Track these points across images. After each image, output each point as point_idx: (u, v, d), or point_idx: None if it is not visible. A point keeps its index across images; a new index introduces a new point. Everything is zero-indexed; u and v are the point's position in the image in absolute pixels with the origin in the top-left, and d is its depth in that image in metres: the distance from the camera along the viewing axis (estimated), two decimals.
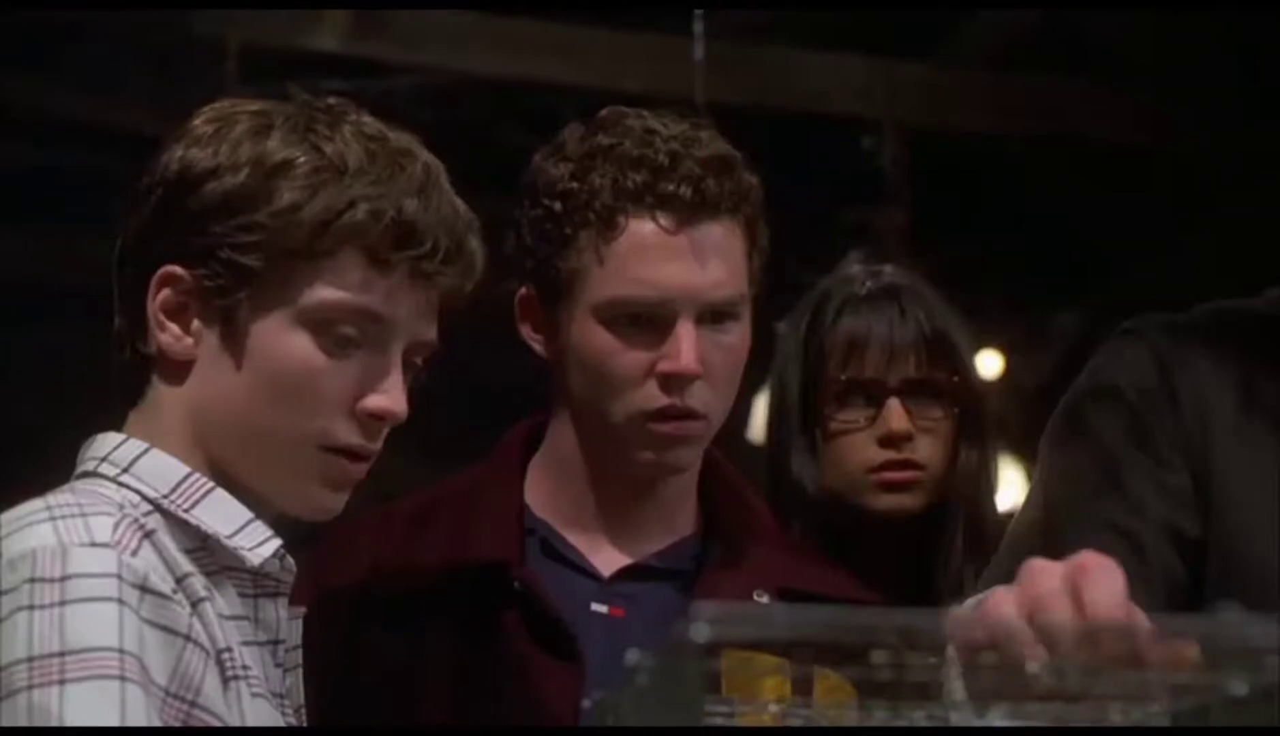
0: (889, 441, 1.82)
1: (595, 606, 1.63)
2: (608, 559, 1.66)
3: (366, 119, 1.38)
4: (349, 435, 1.34)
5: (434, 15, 4.37)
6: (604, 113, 1.64)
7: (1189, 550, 1.29)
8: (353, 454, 1.35)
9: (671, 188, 1.55)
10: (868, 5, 4.59)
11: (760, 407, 2.13)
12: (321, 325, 1.33)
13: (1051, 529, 1.28)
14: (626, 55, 4.55)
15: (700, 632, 0.73)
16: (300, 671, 1.40)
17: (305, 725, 1.40)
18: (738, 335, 1.61)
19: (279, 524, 1.37)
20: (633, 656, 0.83)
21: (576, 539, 1.66)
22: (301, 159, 1.33)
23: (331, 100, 1.40)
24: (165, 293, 1.34)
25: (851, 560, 1.74)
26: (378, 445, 1.37)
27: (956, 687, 0.84)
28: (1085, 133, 5.13)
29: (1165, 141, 5.06)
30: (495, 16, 4.44)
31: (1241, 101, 5.08)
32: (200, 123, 1.37)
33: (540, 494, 1.68)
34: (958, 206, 5.50)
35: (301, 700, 1.41)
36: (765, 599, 1.57)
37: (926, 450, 1.82)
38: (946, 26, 5.00)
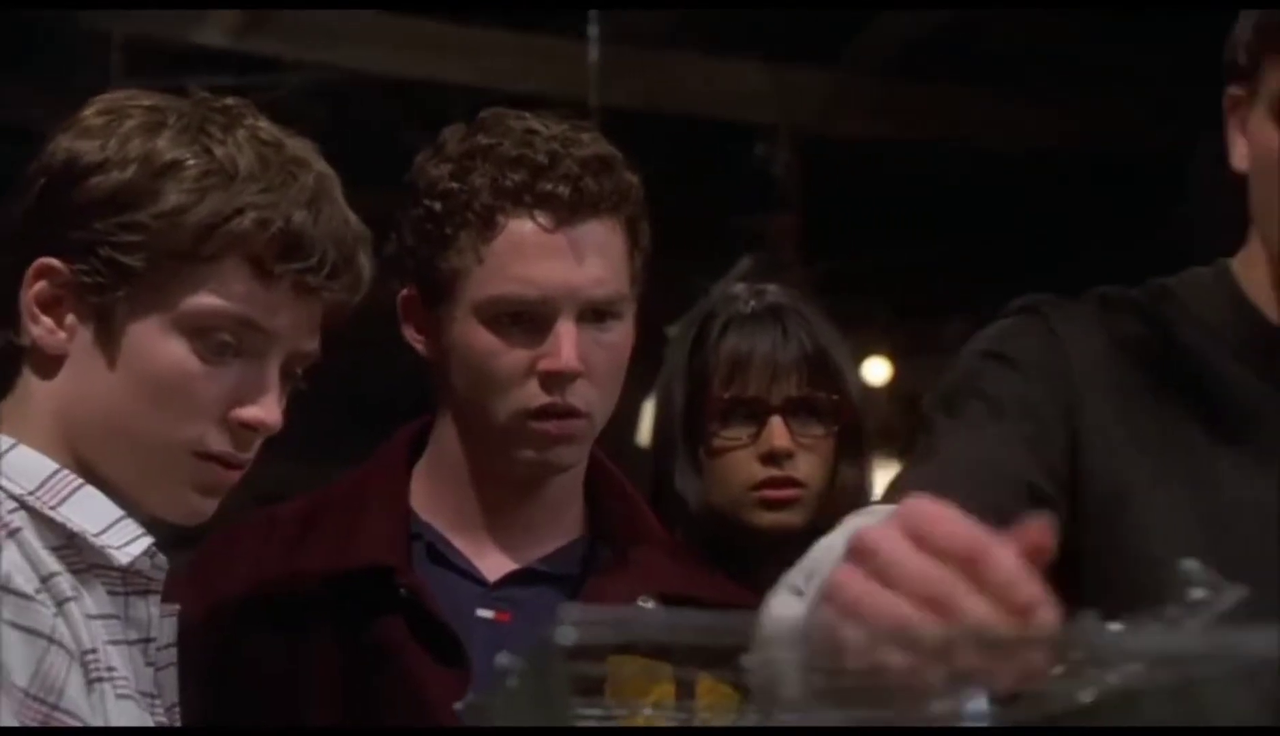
0: (771, 459, 1.84)
1: (481, 612, 1.62)
2: (494, 563, 1.65)
3: (263, 123, 1.36)
4: (220, 443, 1.32)
5: (325, 12, 4.34)
6: (485, 113, 1.64)
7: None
8: (224, 461, 1.33)
9: (550, 187, 1.56)
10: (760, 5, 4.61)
11: (650, 414, 2.14)
12: (199, 331, 1.31)
13: (924, 477, 1.26)
14: (522, 56, 4.54)
15: (566, 636, 0.73)
16: (174, 669, 1.38)
17: (178, 725, 1.39)
18: (619, 333, 1.62)
19: (159, 522, 1.35)
20: (503, 659, 0.83)
21: (462, 543, 1.66)
22: (191, 161, 1.30)
23: (229, 101, 1.38)
24: (41, 285, 1.32)
25: (734, 576, 1.75)
26: (250, 454, 1.35)
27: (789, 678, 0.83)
28: (979, 140, 5.19)
29: (1059, 149, 5.13)
30: (388, 15, 4.42)
31: (1138, 109, 5.16)
32: (91, 114, 1.34)
33: (425, 498, 1.67)
34: (850, 213, 5.54)
35: (175, 699, 1.38)
36: (650, 603, 1.58)
37: (807, 468, 1.84)
38: (842, 34, 5.04)
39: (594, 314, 1.59)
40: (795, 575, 1.03)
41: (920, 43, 4.96)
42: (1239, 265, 1.39)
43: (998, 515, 1.19)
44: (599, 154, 1.59)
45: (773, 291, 1.95)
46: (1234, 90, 1.36)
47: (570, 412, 1.58)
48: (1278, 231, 1.30)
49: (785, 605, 1.00)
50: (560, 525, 1.66)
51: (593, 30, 4.42)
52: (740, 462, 1.84)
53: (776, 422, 1.83)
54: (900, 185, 5.75)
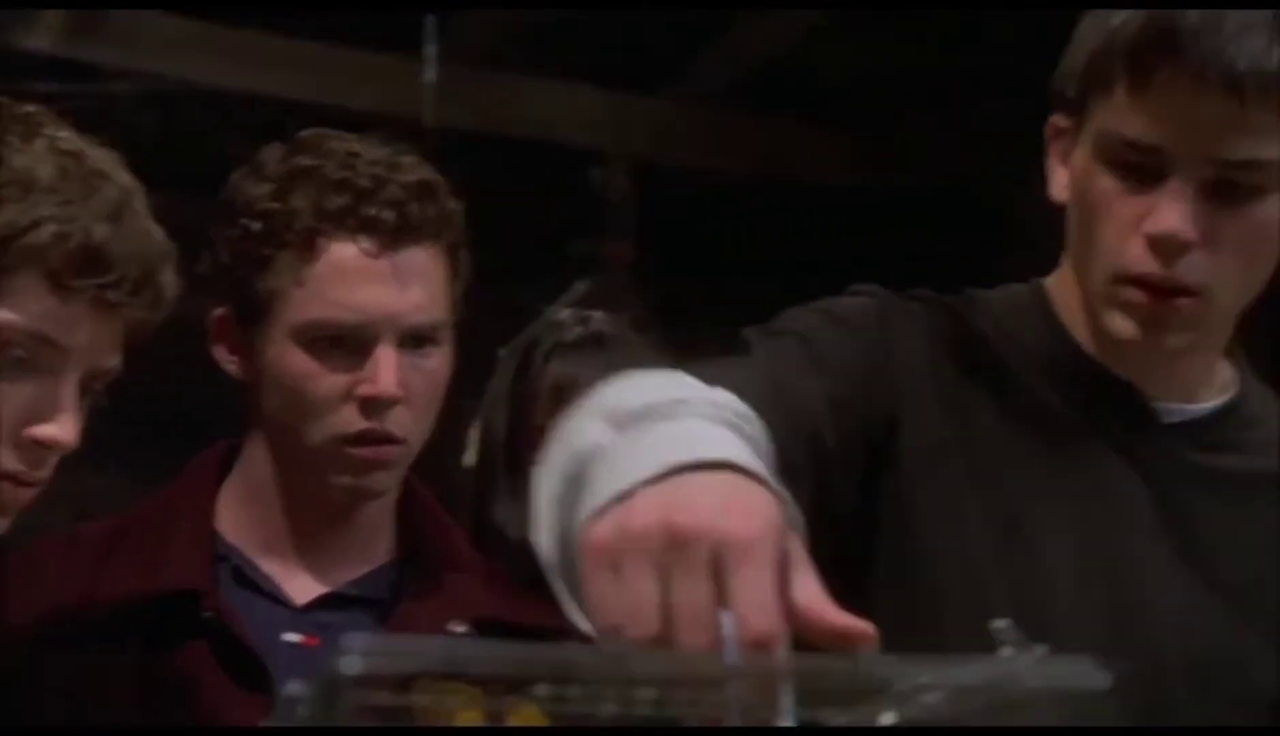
0: None
1: (288, 635, 1.60)
2: (302, 587, 1.64)
3: (64, 133, 1.33)
4: (13, 461, 1.29)
5: (156, 20, 4.26)
6: (305, 133, 1.63)
7: (825, 479, 1.26)
8: (17, 480, 1.29)
9: (374, 211, 1.56)
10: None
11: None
12: None
13: (735, 376, 1.20)
14: (357, 72, 4.50)
15: (351, 665, 0.72)
16: None
17: None
18: (439, 360, 1.62)
19: None
20: (293, 688, 0.81)
21: (270, 566, 1.64)
22: None
23: (30, 108, 1.34)
24: None
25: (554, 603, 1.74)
26: (45, 473, 1.31)
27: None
28: (811, 172, 5.25)
29: (889, 183, 5.21)
30: (220, 25, 4.35)
31: (968, 144, 5.26)
32: None
33: (232, 520, 1.65)
34: (684, 240, 5.57)
35: None
36: (462, 628, 1.56)
37: None
38: (677, 62, 5.07)
39: (414, 340, 1.59)
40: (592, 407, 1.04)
41: (756, 74, 5.01)
42: (1053, 287, 1.40)
43: (787, 452, 1.19)
44: (423, 180, 1.59)
45: (598, 319, 1.94)
46: (1059, 120, 1.37)
47: (387, 439, 1.58)
48: (1093, 268, 1.32)
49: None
50: (371, 549, 1.65)
51: (429, 49, 4.40)
52: None
53: None
54: (734, 214, 5.80)
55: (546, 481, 0.95)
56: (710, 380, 1.15)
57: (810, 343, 1.30)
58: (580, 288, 4.93)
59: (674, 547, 0.81)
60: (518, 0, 4.42)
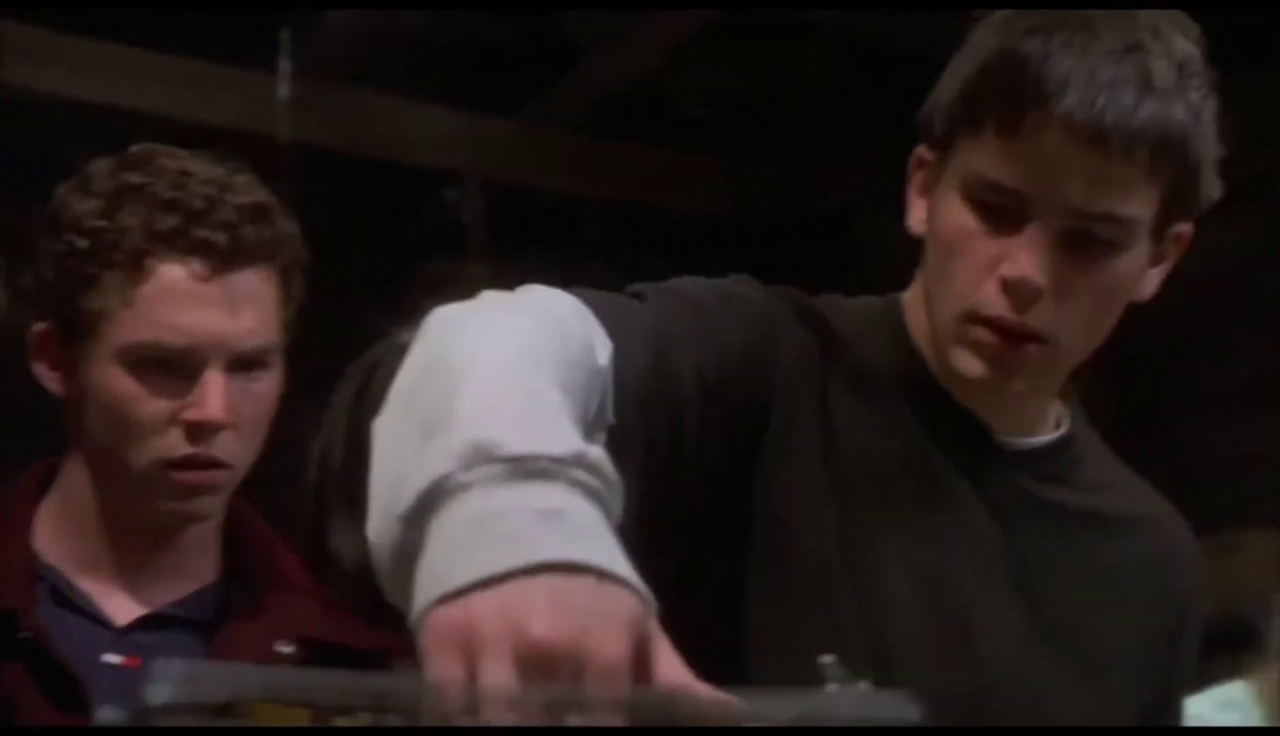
0: None
1: (108, 656, 1.57)
2: (122, 607, 1.60)
3: None
4: None
5: (5, 28, 4.17)
6: (135, 149, 1.59)
7: (683, 463, 1.22)
8: None
9: (206, 233, 1.52)
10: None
11: None
12: None
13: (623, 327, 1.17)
14: (211, 86, 4.43)
15: (159, 693, 0.70)
16: None
17: None
18: (268, 383, 1.59)
19: None
20: (104, 714, 0.78)
21: (89, 586, 1.60)
22: None
23: None
24: None
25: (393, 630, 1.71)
26: None
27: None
28: (666, 199, 5.27)
29: (744, 213, 5.24)
30: (73, 34, 4.27)
31: (821, 171, 5.31)
32: None
33: (51, 539, 1.61)
34: (539, 264, 5.56)
35: None
36: (289, 649, 1.54)
37: None
38: (534, 85, 5.06)
39: (243, 364, 1.56)
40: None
41: (611, 99, 5.02)
42: (908, 305, 1.40)
43: (651, 428, 1.17)
44: (257, 201, 1.56)
45: None
46: (924, 152, 1.36)
47: (213, 464, 1.55)
48: (945, 303, 1.32)
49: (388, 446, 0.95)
50: (194, 569, 1.62)
51: (284, 64, 4.35)
52: None
53: None
54: (588, 238, 5.80)
55: (387, 473, 0.90)
56: (605, 323, 1.13)
57: (700, 315, 1.26)
58: (429, 309, 4.90)
59: (532, 661, 0.78)
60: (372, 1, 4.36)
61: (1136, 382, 4.55)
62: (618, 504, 0.89)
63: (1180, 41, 1.28)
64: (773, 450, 1.29)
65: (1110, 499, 1.44)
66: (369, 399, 1.82)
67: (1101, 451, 1.47)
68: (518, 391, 0.94)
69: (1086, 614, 1.38)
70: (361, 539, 1.79)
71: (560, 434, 0.89)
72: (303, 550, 1.76)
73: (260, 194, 1.57)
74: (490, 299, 1.12)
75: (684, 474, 1.23)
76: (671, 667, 0.83)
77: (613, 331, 1.14)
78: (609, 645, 0.80)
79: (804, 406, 1.31)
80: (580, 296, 1.16)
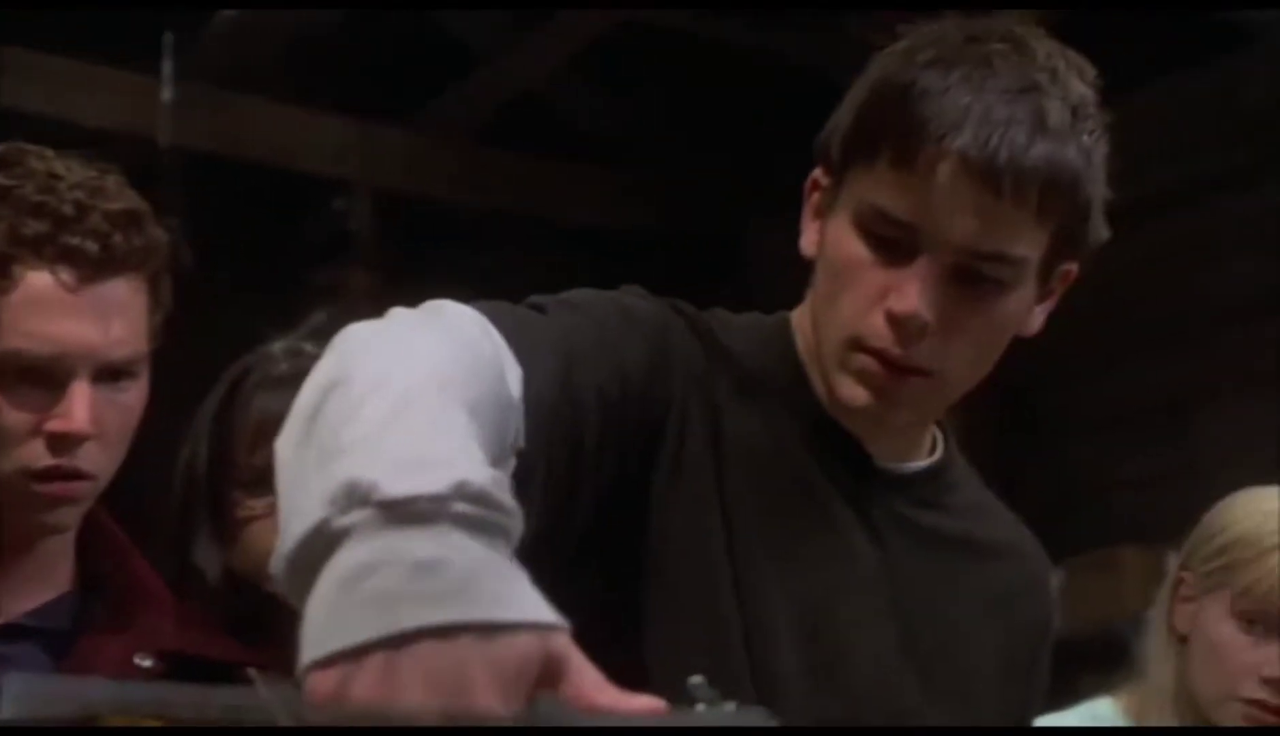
0: None
1: None
2: None
3: None
4: None
5: None
6: (3, 149, 1.52)
7: (581, 488, 1.21)
8: None
9: (75, 241, 1.46)
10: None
11: None
12: None
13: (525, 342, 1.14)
14: (91, 87, 4.36)
15: (7, 708, 0.68)
16: None
17: None
18: (135, 393, 1.54)
19: None
20: None
21: None
22: None
23: None
24: None
25: (258, 645, 1.69)
26: None
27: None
28: (556, 210, 5.27)
29: (633, 226, 5.25)
30: None
31: (713, 194, 5.34)
32: None
33: None
34: (428, 273, 5.53)
35: None
36: (148, 663, 1.50)
37: None
38: (426, 94, 5.04)
39: (110, 374, 1.50)
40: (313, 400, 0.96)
41: (503, 110, 5.01)
42: (797, 324, 1.40)
43: (553, 449, 1.15)
44: (128, 208, 1.50)
45: (310, 353, 1.85)
46: (820, 176, 1.36)
47: (76, 475, 1.50)
48: (832, 329, 1.32)
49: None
50: (48, 579, 1.57)
51: (166, 66, 4.29)
52: (267, 532, 1.73)
53: None
54: (478, 248, 5.78)
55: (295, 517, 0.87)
56: (513, 344, 1.11)
57: (603, 333, 1.24)
58: (319, 318, 4.86)
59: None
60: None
61: (1016, 405, 4.62)
62: (515, 525, 0.87)
63: (1076, 83, 1.29)
64: (665, 467, 1.28)
65: (979, 525, 1.45)
66: (235, 409, 1.79)
67: (970, 477, 1.48)
68: (410, 419, 0.91)
69: (954, 637, 1.39)
70: (223, 552, 1.76)
71: (445, 465, 0.86)
72: (165, 561, 1.72)
73: (132, 199, 1.52)
74: (400, 317, 1.09)
75: (583, 492, 1.22)
76: (588, 685, 0.81)
77: (520, 353, 1.12)
78: (485, 704, 0.78)
79: (697, 422, 1.30)
80: (487, 314, 1.14)
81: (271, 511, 1.71)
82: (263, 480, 1.72)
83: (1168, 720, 2.08)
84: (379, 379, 0.95)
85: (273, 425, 1.74)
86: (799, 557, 1.33)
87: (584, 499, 1.22)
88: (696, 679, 0.87)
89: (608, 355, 1.23)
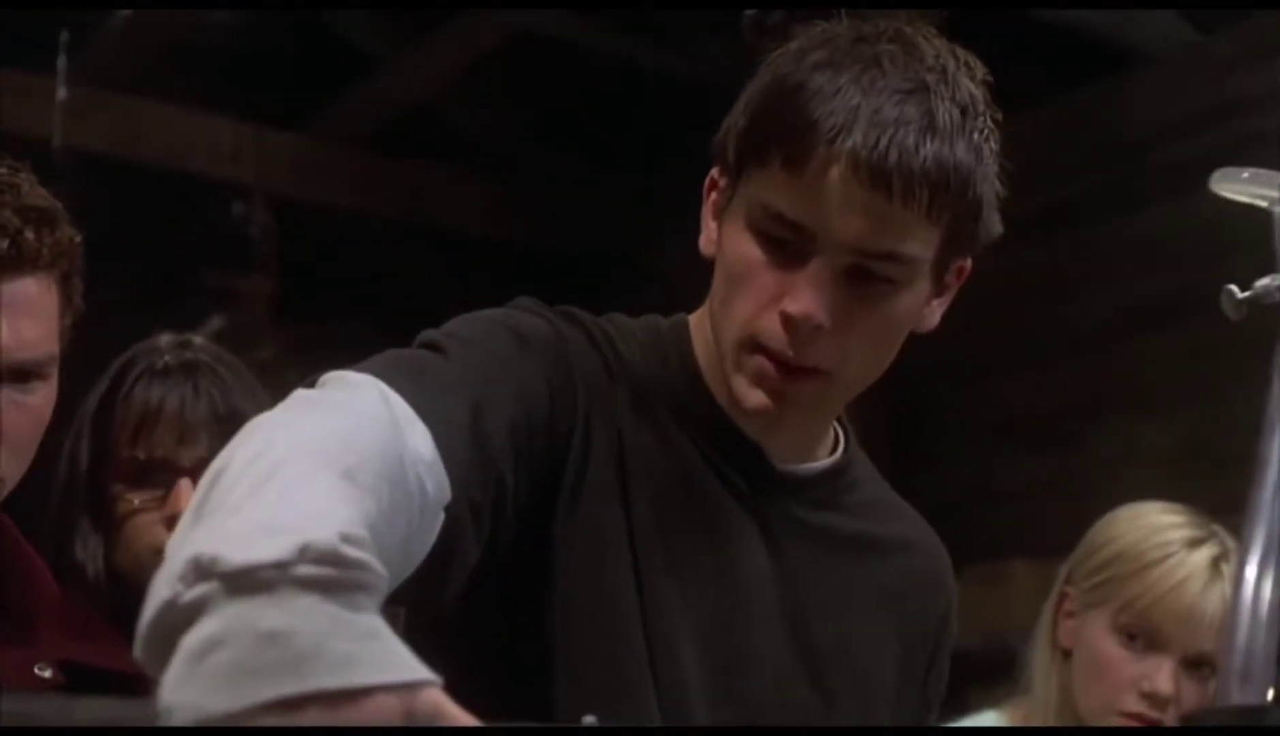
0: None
1: None
2: None
3: None
4: None
5: None
6: None
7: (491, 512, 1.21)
8: None
9: None
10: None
11: None
12: None
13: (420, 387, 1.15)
14: None
15: None
16: None
17: None
18: (43, 395, 1.51)
19: None
20: None
21: None
22: None
23: None
24: None
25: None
26: None
27: None
28: (449, 219, 5.25)
29: (525, 237, 5.25)
30: None
31: (608, 203, 5.35)
32: None
33: None
34: (323, 278, 5.50)
35: None
36: (47, 673, 1.48)
37: None
38: (321, 101, 5.02)
39: (19, 375, 1.48)
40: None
41: (400, 118, 5.00)
42: (695, 327, 1.41)
43: (472, 490, 1.14)
44: (40, 206, 1.48)
45: (197, 346, 1.83)
46: (717, 175, 1.36)
47: None
48: (727, 329, 1.32)
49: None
50: None
51: (60, 64, 4.23)
52: (147, 527, 1.73)
53: (185, 486, 1.71)
54: (371, 254, 5.75)
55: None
56: (418, 406, 1.11)
57: (504, 367, 1.24)
58: (216, 322, 4.81)
59: None
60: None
61: (909, 412, 4.66)
62: (373, 578, 0.87)
63: (965, 82, 1.30)
64: (569, 486, 1.29)
65: (878, 522, 1.47)
66: (117, 401, 1.76)
67: (873, 475, 1.49)
68: (267, 492, 0.91)
69: (850, 637, 1.41)
70: (103, 547, 1.73)
71: (289, 531, 0.86)
72: (46, 556, 1.69)
73: (44, 198, 1.50)
74: (294, 399, 1.10)
75: (504, 530, 1.23)
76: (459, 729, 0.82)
77: (423, 412, 1.12)
78: None
79: (600, 440, 1.31)
80: (383, 376, 1.14)
81: (152, 505, 1.72)
82: (144, 473, 1.73)
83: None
84: (251, 460, 0.95)
85: (154, 417, 1.74)
86: (698, 567, 1.34)
87: (505, 536, 1.23)
88: (590, 718, 0.87)
89: (510, 390, 1.23)
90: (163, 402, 1.75)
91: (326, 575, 0.84)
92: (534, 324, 1.31)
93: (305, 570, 0.84)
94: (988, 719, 2.19)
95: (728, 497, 1.36)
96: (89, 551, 1.75)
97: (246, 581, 0.83)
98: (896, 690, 1.44)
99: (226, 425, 1.72)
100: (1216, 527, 2.10)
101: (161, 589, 0.85)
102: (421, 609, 1.15)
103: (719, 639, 1.33)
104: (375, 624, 0.84)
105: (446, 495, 1.13)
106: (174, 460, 1.74)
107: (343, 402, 1.09)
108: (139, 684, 1.56)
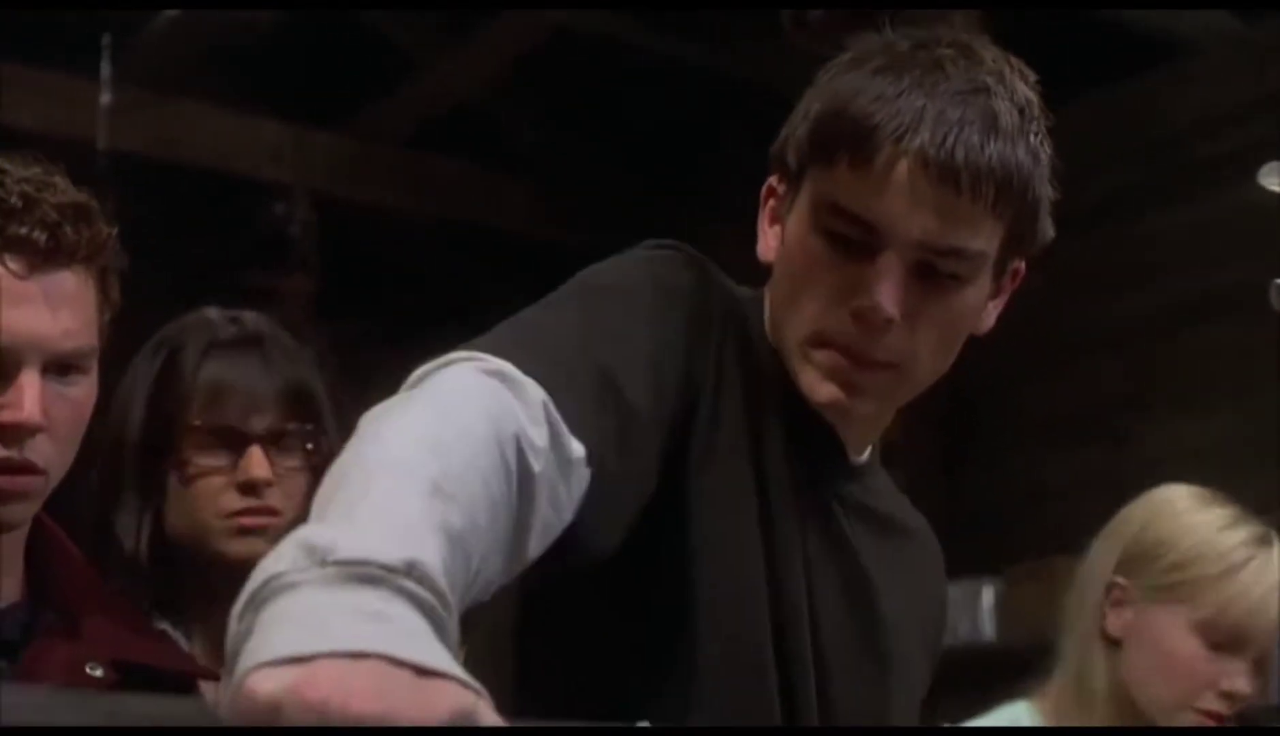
0: (250, 488, 1.79)
1: None
2: None
3: None
4: None
5: None
6: None
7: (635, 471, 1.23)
8: None
9: (24, 231, 1.47)
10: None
11: None
12: None
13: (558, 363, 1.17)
14: (27, 89, 4.33)
15: None
16: None
17: None
18: (85, 389, 1.53)
19: None
20: None
21: None
22: None
23: None
24: None
25: (197, 612, 1.71)
26: None
27: None
28: (492, 218, 5.27)
29: (562, 235, 5.25)
30: None
31: (650, 202, 5.35)
32: None
33: None
34: (363, 277, 5.52)
35: None
36: (99, 672, 1.49)
37: (283, 498, 1.80)
38: (364, 100, 5.03)
39: (60, 367, 1.50)
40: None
41: (437, 118, 5.01)
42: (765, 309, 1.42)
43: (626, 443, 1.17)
44: (76, 201, 1.51)
45: (254, 319, 1.89)
46: (775, 183, 1.39)
47: (27, 468, 1.48)
48: (793, 328, 1.35)
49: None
50: None
51: (104, 70, 4.26)
52: (219, 490, 1.78)
53: (256, 452, 1.78)
54: (414, 255, 5.77)
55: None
56: (534, 366, 1.13)
57: (636, 316, 1.27)
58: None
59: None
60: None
61: (957, 412, 4.65)
62: (451, 618, 0.89)
63: (1021, 86, 1.34)
64: (700, 441, 1.31)
65: (899, 509, 1.53)
66: (178, 374, 1.80)
67: (883, 471, 1.55)
68: (377, 497, 0.95)
69: (901, 614, 1.46)
70: (145, 522, 1.76)
71: (399, 543, 0.89)
72: (83, 530, 1.72)
73: (80, 195, 1.52)
74: (403, 395, 1.10)
75: (649, 482, 1.25)
76: None
77: (546, 380, 1.13)
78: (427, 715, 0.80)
79: (731, 391, 1.33)
80: (505, 348, 1.15)
81: (224, 470, 1.77)
82: (215, 442, 1.78)
83: (1100, 721, 2.10)
84: (366, 461, 0.99)
85: (228, 388, 1.78)
86: (808, 543, 1.38)
87: (649, 502, 1.25)
88: (643, 724, 0.88)
89: (643, 343, 1.26)
90: (234, 374, 1.80)
91: (421, 594, 0.88)
92: (676, 270, 1.34)
93: (406, 583, 0.87)
94: (1019, 709, 2.19)
95: (816, 470, 1.40)
96: (129, 526, 1.78)
97: (357, 572, 0.86)
98: (918, 667, 1.50)
99: (292, 394, 1.80)
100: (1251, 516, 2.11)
101: (268, 565, 0.87)
102: (584, 560, 1.18)
103: (819, 605, 1.37)
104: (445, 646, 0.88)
105: (579, 453, 1.14)
106: (245, 429, 1.79)
107: (442, 397, 1.09)
108: (190, 682, 1.58)
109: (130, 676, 1.51)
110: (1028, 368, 4.63)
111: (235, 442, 1.79)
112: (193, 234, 5.09)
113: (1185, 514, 2.12)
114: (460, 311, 5.54)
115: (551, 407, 1.12)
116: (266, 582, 0.86)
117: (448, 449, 1.02)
